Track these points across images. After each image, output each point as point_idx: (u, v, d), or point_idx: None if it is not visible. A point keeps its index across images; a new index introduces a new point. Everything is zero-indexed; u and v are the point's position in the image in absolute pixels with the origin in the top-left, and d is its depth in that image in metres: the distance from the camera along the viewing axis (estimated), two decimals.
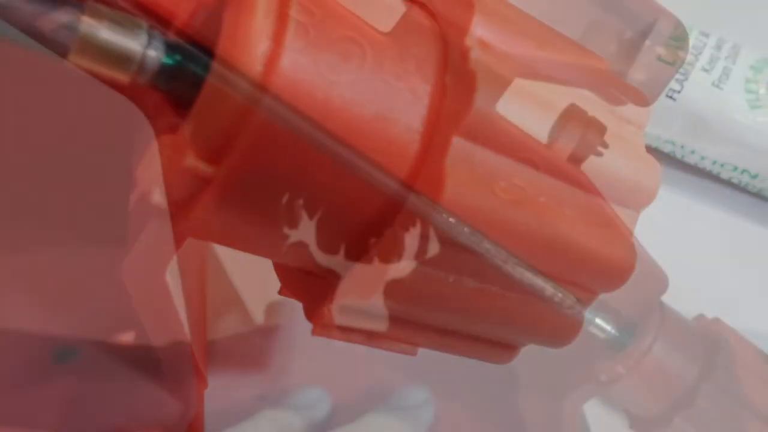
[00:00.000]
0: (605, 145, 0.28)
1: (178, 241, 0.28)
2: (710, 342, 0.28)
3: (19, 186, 0.34)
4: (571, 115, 0.28)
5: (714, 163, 0.45)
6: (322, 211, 0.25)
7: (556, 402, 0.30)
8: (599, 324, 0.28)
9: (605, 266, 0.28)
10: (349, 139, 0.23)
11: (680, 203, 0.45)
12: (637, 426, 0.29)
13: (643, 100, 0.30)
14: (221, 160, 0.22)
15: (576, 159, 0.28)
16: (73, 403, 0.30)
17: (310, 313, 0.27)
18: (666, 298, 0.31)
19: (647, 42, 0.29)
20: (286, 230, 0.25)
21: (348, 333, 0.28)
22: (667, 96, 0.46)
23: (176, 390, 0.32)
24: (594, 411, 0.32)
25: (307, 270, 0.27)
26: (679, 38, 0.29)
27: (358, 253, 0.26)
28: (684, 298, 0.30)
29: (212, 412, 0.32)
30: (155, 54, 0.21)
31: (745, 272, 0.41)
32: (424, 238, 0.26)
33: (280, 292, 0.29)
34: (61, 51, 0.21)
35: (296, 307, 0.29)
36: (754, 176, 0.44)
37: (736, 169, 0.44)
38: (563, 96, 0.28)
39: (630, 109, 0.29)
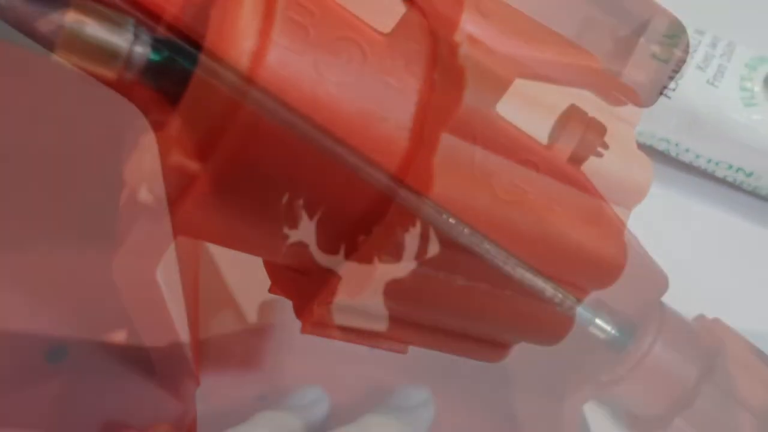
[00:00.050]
0: (605, 146, 0.28)
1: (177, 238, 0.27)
2: (710, 342, 0.28)
3: (10, 185, 0.33)
4: (571, 116, 0.27)
5: (709, 161, 0.45)
6: (311, 208, 0.25)
7: (557, 402, 0.30)
8: (599, 324, 0.27)
9: (598, 265, 0.28)
10: (337, 135, 0.23)
11: (675, 202, 0.44)
12: (637, 427, 0.28)
13: (637, 98, 0.30)
14: (208, 157, 0.22)
15: (576, 159, 0.28)
16: (66, 402, 0.30)
17: (300, 311, 0.27)
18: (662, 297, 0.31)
19: (642, 40, 0.29)
20: (275, 228, 0.25)
21: (338, 331, 0.27)
22: (662, 94, 0.46)
23: (172, 388, 0.32)
24: (594, 411, 0.32)
25: (296, 268, 0.27)
26: (674, 36, 0.29)
27: (347, 250, 0.25)
28: (680, 297, 0.30)
29: (212, 412, 0.32)
30: (142, 50, 0.21)
31: (740, 271, 0.41)
32: (414, 236, 0.26)
33: (269, 290, 0.29)
34: (48, 46, 0.21)
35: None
36: (749, 174, 0.44)
37: (731, 167, 0.44)
38: (555, 94, 0.27)
39: (621, 107, 0.29)
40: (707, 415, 0.27)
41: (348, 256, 0.25)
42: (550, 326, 0.29)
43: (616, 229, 0.28)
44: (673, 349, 0.27)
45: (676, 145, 0.45)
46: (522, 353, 0.30)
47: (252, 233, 0.25)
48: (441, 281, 0.26)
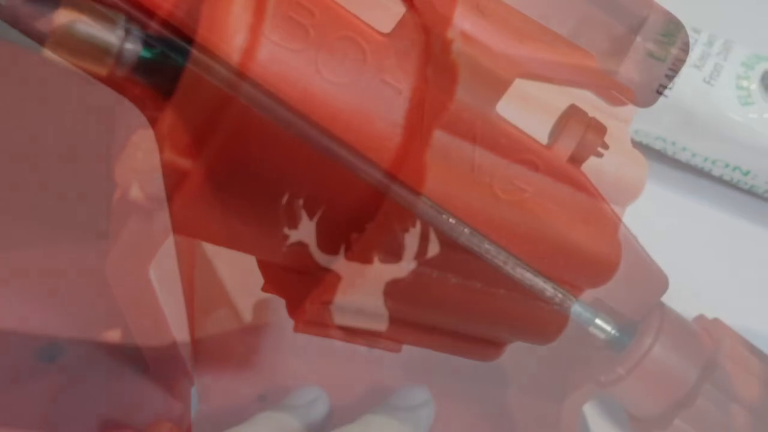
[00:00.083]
0: (605, 146, 0.28)
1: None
2: (710, 342, 0.28)
3: (3, 184, 0.33)
4: (572, 116, 0.27)
5: (705, 160, 0.44)
6: (304, 205, 0.25)
7: (556, 403, 0.30)
8: (599, 324, 0.27)
9: (594, 264, 0.28)
10: (329, 131, 0.23)
11: (671, 200, 0.44)
12: (637, 427, 0.28)
13: (632, 97, 0.29)
14: (199, 153, 0.22)
15: (576, 159, 0.27)
16: (59, 401, 0.30)
17: (292, 310, 0.27)
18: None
19: (638, 38, 0.29)
20: (268, 225, 0.25)
21: (331, 330, 0.27)
22: (657, 92, 0.46)
23: (167, 387, 0.32)
24: (594, 411, 0.32)
25: (289, 267, 0.27)
26: (671, 34, 0.29)
27: (340, 248, 0.25)
28: (677, 296, 0.30)
29: (212, 412, 0.32)
30: (133, 47, 0.21)
31: (737, 270, 0.41)
32: (407, 234, 0.25)
33: (263, 289, 0.28)
34: (42, 42, 0.21)
35: None
36: (746, 173, 0.44)
37: (727, 165, 0.44)
38: (552, 94, 0.27)
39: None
40: (707, 415, 0.26)
41: (341, 254, 0.25)
42: (544, 325, 0.29)
43: (611, 228, 0.28)
44: (673, 350, 0.27)
45: (673, 143, 0.45)
46: (522, 354, 0.30)
47: (246, 231, 0.25)
48: (435, 280, 0.26)
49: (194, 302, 0.32)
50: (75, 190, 0.33)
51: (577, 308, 0.27)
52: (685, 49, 0.29)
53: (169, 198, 0.23)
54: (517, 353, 0.30)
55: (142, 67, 0.21)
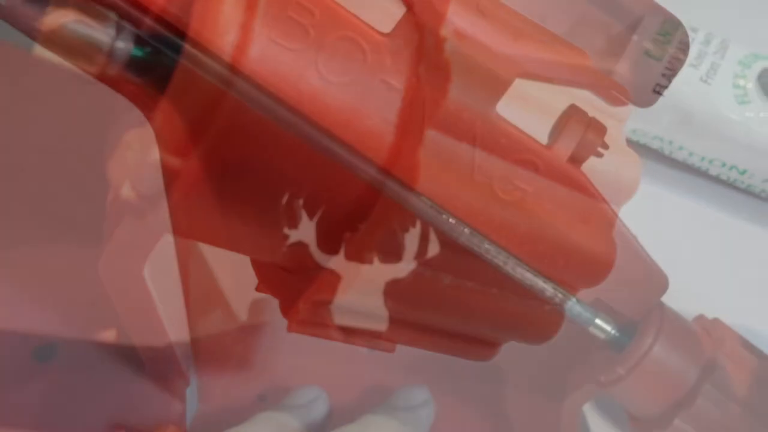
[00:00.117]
0: (605, 146, 0.27)
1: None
2: (710, 342, 0.28)
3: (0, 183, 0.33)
4: (572, 116, 0.27)
5: (702, 159, 0.44)
6: (300, 204, 0.24)
7: (557, 403, 0.30)
8: (599, 325, 0.27)
9: (591, 264, 0.28)
10: (321, 128, 0.23)
11: (668, 200, 0.44)
12: (637, 427, 0.28)
13: (627, 96, 0.29)
14: (193, 150, 0.22)
15: (576, 159, 0.27)
16: (54, 401, 0.30)
17: (286, 310, 0.27)
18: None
19: (635, 37, 0.29)
20: (263, 225, 0.25)
21: (325, 329, 0.27)
22: (654, 91, 0.45)
23: (161, 387, 0.31)
24: (594, 411, 0.31)
25: (283, 266, 0.27)
26: (668, 33, 0.29)
27: (334, 247, 0.25)
28: (674, 296, 0.30)
29: (212, 412, 0.32)
30: (124, 46, 0.21)
31: (734, 269, 0.41)
32: (400, 234, 0.25)
33: (257, 289, 0.28)
34: (33, 38, 0.21)
35: None
36: (743, 172, 0.44)
37: (724, 164, 0.44)
38: (548, 93, 0.27)
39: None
40: (707, 415, 0.26)
41: (335, 253, 0.25)
42: (540, 325, 0.29)
43: (607, 227, 0.28)
44: (673, 350, 0.27)
45: (670, 142, 0.45)
46: (522, 354, 0.29)
47: (242, 229, 0.25)
48: (430, 279, 0.26)
49: (192, 302, 0.32)
50: (72, 189, 0.33)
51: (577, 308, 0.27)
52: (683, 48, 0.29)
53: (168, 196, 0.23)
54: (517, 353, 0.29)
55: (134, 65, 0.21)
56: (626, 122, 0.29)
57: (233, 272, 0.35)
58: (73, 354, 0.31)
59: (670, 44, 0.28)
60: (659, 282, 0.28)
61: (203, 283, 0.34)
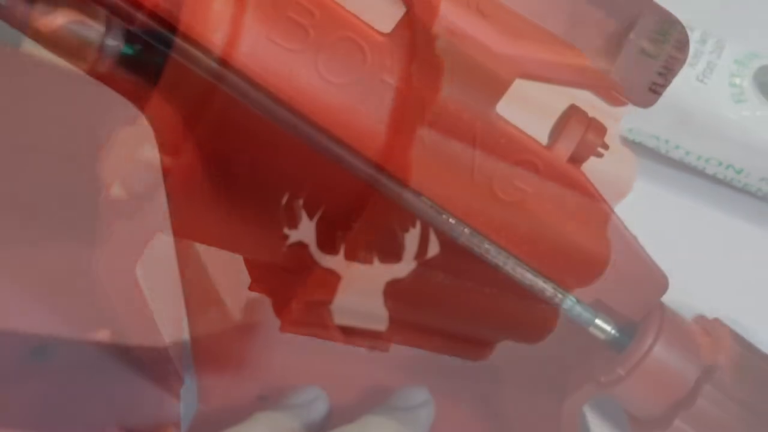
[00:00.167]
0: (606, 146, 0.27)
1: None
2: (710, 343, 0.27)
3: None
4: (572, 116, 0.27)
5: (699, 158, 0.44)
6: (290, 203, 0.24)
7: (557, 403, 0.30)
8: (599, 325, 0.27)
9: (589, 263, 0.27)
10: (312, 125, 0.23)
11: (665, 199, 0.44)
12: (637, 427, 0.28)
13: (622, 94, 0.29)
14: (184, 146, 0.22)
15: (576, 160, 0.27)
16: (51, 401, 0.29)
17: (279, 310, 0.27)
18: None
19: (631, 35, 0.28)
20: (253, 223, 0.25)
21: (318, 329, 0.27)
22: (650, 90, 0.45)
23: (156, 387, 0.31)
24: (594, 411, 0.31)
25: (276, 265, 0.27)
26: (664, 32, 0.28)
27: (327, 247, 0.25)
28: (673, 295, 0.29)
29: (212, 412, 0.32)
30: (114, 43, 0.21)
31: (731, 269, 0.40)
32: (393, 233, 0.25)
33: (250, 288, 0.28)
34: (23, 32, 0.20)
35: None
36: (739, 171, 0.43)
37: (720, 164, 0.44)
38: (545, 93, 0.27)
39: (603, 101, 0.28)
40: (707, 415, 0.26)
41: (329, 252, 0.25)
42: (533, 324, 0.29)
43: (602, 227, 0.28)
44: (673, 350, 0.27)
45: (666, 141, 0.45)
46: (522, 354, 0.29)
47: (236, 227, 0.25)
48: (423, 278, 0.26)
49: (191, 302, 0.31)
50: (69, 189, 0.33)
51: (577, 309, 0.27)
52: (680, 47, 0.28)
53: (167, 189, 0.23)
54: (517, 354, 0.29)
55: (125, 62, 0.21)
56: (621, 121, 0.29)
57: (231, 271, 0.34)
58: (70, 354, 0.30)
59: (667, 43, 0.28)
60: (659, 282, 0.28)
61: (201, 282, 0.33)
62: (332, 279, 0.26)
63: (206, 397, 0.32)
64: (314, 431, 0.30)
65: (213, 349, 0.33)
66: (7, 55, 0.33)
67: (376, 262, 0.26)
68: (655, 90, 0.36)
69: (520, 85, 0.25)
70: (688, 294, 0.31)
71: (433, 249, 0.27)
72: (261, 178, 0.24)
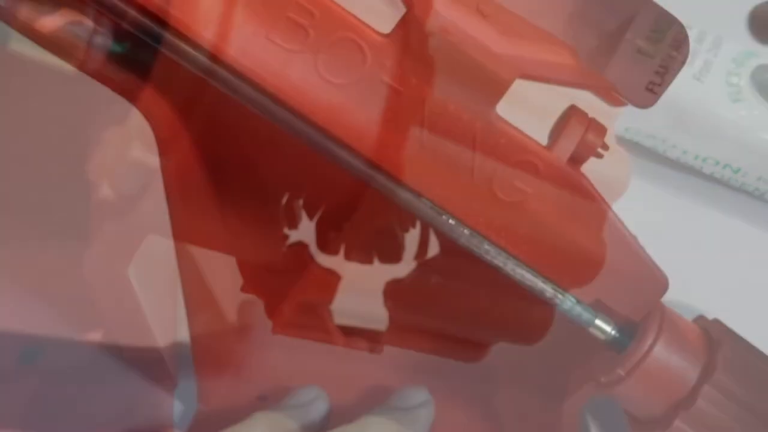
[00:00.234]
0: (605, 147, 0.27)
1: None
2: (710, 343, 0.27)
3: None
4: (571, 117, 0.27)
5: (696, 157, 0.44)
6: (286, 204, 0.24)
7: (557, 403, 0.29)
8: (599, 325, 0.27)
9: (587, 264, 0.27)
10: (317, 128, 0.23)
11: (662, 199, 0.43)
12: (637, 427, 0.28)
13: (621, 95, 0.29)
14: (170, 151, 0.22)
15: (576, 160, 0.27)
16: (40, 403, 0.29)
17: (271, 312, 0.27)
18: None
19: (627, 34, 0.28)
20: (249, 225, 0.25)
21: (309, 331, 0.27)
22: (647, 89, 0.45)
23: (148, 389, 0.31)
24: (594, 411, 0.31)
25: (267, 267, 0.27)
26: (661, 30, 0.28)
27: (326, 246, 0.25)
28: (671, 296, 0.29)
29: (212, 412, 0.31)
30: (102, 42, 0.21)
31: (729, 269, 0.40)
32: (389, 233, 0.25)
33: (242, 289, 0.28)
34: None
35: None
36: (737, 171, 0.43)
37: (717, 163, 0.43)
38: (543, 93, 0.27)
39: (599, 100, 0.28)
40: (707, 416, 0.26)
41: (326, 252, 0.25)
42: (529, 326, 0.29)
43: (601, 227, 0.27)
44: (673, 351, 0.26)
45: (663, 141, 0.44)
46: (522, 354, 0.29)
47: (233, 227, 0.25)
48: (418, 280, 0.26)
49: (190, 302, 0.31)
50: (58, 189, 0.32)
51: (577, 309, 0.26)
52: (678, 46, 0.28)
53: (165, 183, 0.23)
54: (517, 354, 0.29)
55: (112, 62, 0.21)
56: (616, 120, 0.29)
57: (229, 272, 0.34)
58: (60, 356, 0.30)
59: (664, 42, 0.28)
60: (659, 283, 0.28)
61: (200, 283, 0.33)
62: (331, 279, 0.26)
63: (206, 397, 0.31)
64: (314, 431, 0.30)
65: (213, 350, 0.32)
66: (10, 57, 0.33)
67: (376, 263, 0.26)
68: (653, 89, 0.36)
69: (519, 86, 0.25)
70: (685, 294, 0.31)
71: (433, 250, 0.27)
72: (259, 178, 0.24)
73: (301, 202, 0.25)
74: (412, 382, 0.30)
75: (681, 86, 0.43)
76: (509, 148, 0.26)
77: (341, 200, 0.24)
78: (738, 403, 0.26)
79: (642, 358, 0.26)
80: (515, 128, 0.26)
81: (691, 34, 0.45)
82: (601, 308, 0.27)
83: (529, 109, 0.27)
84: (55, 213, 0.31)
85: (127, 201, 0.25)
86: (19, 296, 0.30)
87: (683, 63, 0.27)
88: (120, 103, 0.22)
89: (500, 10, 0.25)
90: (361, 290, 0.27)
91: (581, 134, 0.26)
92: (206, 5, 0.21)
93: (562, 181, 0.27)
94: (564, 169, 0.27)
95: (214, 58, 0.21)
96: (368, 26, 0.24)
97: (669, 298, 0.29)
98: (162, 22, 0.21)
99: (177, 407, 0.31)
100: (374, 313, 0.28)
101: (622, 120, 0.29)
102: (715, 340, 0.27)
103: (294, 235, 0.26)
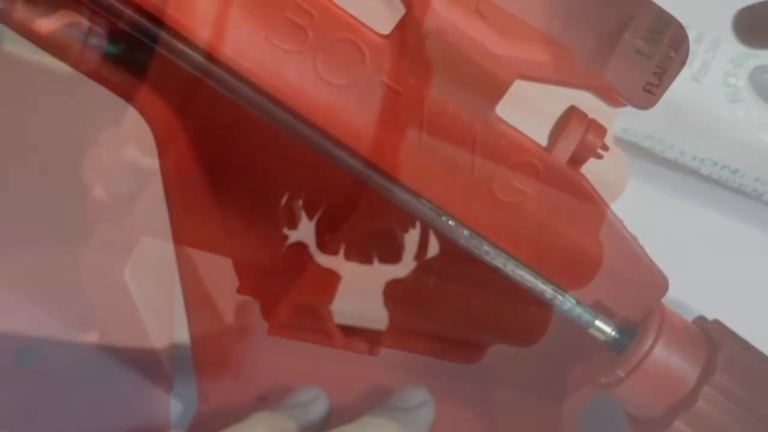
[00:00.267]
0: (605, 148, 0.27)
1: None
2: (710, 344, 0.27)
3: None
4: (571, 117, 0.26)
5: (694, 158, 0.43)
6: (278, 204, 0.24)
7: (557, 404, 0.29)
8: (599, 326, 0.26)
9: (584, 264, 0.27)
10: (316, 129, 0.22)
11: (660, 199, 0.43)
12: (637, 428, 0.27)
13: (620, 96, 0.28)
14: (169, 151, 0.22)
15: (576, 161, 0.27)
16: (35, 404, 0.29)
17: (266, 313, 0.26)
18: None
19: (626, 35, 0.28)
20: (248, 225, 0.25)
21: (305, 333, 0.27)
22: (645, 90, 0.44)
23: (144, 391, 0.31)
24: (594, 412, 0.30)
25: (264, 268, 0.27)
26: (659, 30, 0.28)
27: (324, 247, 0.25)
28: (670, 296, 0.29)
29: (212, 412, 0.31)
30: (97, 42, 0.20)
31: (727, 270, 0.40)
32: (381, 236, 0.25)
33: (238, 291, 0.28)
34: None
35: None
36: (734, 171, 0.43)
37: (715, 164, 0.43)
38: (540, 94, 0.26)
39: (597, 101, 0.28)
40: (707, 416, 0.25)
41: (325, 253, 0.25)
42: (525, 328, 0.28)
43: (599, 228, 0.27)
44: (673, 351, 0.26)
45: (661, 141, 0.44)
46: (522, 355, 0.29)
47: (231, 227, 0.25)
48: (415, 281, 0.26)
49: (189, 303, 0.31)
50: (53, 191, 0.32)
51: (577, 310, 0.26)
52: (676, 46, 0.27)
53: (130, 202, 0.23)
54: (517, 355, 0.29)
55: (108, 62, 0.21)
56: (613, 121, 0.28)
57: (228, 272, 0.34)
58: (56, 357, 0.30)
59: (662, 42, 0.27)
60: (659, 284, 0.27)
61: (200, 283, 0.33)
62: (331, 279, 0.26)
63: (206, 398, 0.31)
64: (314, 431, 0.30)
65: (213, 350, 0.32)
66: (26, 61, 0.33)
67: (375, 263, 0.26)
68: (650, 90, 0.36)
69: (519, 87, 0.25)
70: (684, 294, 0.30)
71: (433, 250, 0.27)
72: (259, 178, 0.24)
73: (300, 202, 0.24)
74: (411, 383, 0.30)
75: (679, 87, 0.43)
76: (509, 149, 0.26)
77: (341, 200, 0.24)
78: (738, 403, 0.26)
79: (642, 359, 0.26)
80: (515, 129, 0.26)
81: (690, 35, 0.44)
82: (600, 309, 0.27)
83: (529, 110, 0.26)
84: (51, 214, 0.31)
85: (122, 202, 0.24)
86: (14, 297, 0.30)
87: (682, 64, 0.27)
88: (114, 104, 0.21)
89: (499, 11, 0.25)
90: (360, 290, 0.27)
91: (581, 135, 0.26)
92: (205, 7, 0.21)
93: (562, 182, 0.26)
94: (564, 169, 0.26)
95: (213, 59, 0.21)
96: (367, 27, 0.23)
97: (668, 298, 0.29)
98: (160, 22, 0.20)
99: (177, 407, 0.31)
100: (374, 314, 0.27)
101: (620, 120, 0.29)
102: (714, 340, 0.27)
103: (293, 236, 0.26)
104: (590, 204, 0.27)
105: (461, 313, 0.28)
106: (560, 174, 0.26)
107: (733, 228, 0.42)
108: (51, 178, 0.31)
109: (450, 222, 0.25)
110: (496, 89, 0.24)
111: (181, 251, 0.29)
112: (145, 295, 0.27)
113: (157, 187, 0.22)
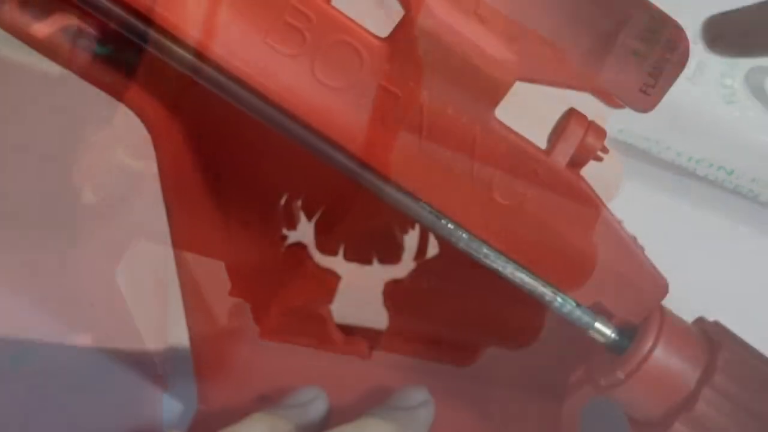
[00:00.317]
0: (605, 150, 0.26)
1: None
2: (710, 345, 0.26)
3: None
4: (571, 120, 0.26)
5: (690, 159, 0.43)
6: (277, 205, 0.24)
7: (556, 405, 0.29)
8: (599, 328, 0.26)
9: (582, 266, 0.27)
10: (308, 130, 0.22)
11: (657, 200, 0.43)
12: (637, 429, 0.27)
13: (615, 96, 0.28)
14: (166, 152, 0.22)
15: (576, 164, 0.26)
16: (30, 406, 0.28)
17: (258, 317, 0.26)
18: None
19: (621, 35, 0.27)
20: (246, 227, 0.25)
21: (297, 336, 0.26)
22: (641, 91, 0.44)
23: (137, 392, 0.30)
24: (594, 412, 0.30)
25: (266, 267, 0.26)
26: (655, 30, 0.27)
27: (320, 247, 0.25)
28: (669, 297, 0.28)
29: (212, 412, 0.31)
30: (87, 44, 0.20)
31: (726, 270, 0.39)
32: (376, 237, 0.25)
33: (230, 293, 0.28)
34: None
35: None
36: (731, 172, 0.42)
37: (711, 165, 0.42)
38: (540, 95, 0.26)
39: (590, 102, 0.27)
40: (707, 418, 0.25)
41: (325, 253, 0.25)
42: (520, 330, 0.28)
43: (591, 229, 0.27)
44: (673, 353, 0.25)
45: (657, 142, 0.43)
46: (522, 355, 0.28)
47: (233, 231, 0.25)
48: (411, 284, 0.26)
49: (189, 303, 0.30)
50: (46, 193, 0.31)
51: (576, 312, 0.25)
52: (671, 47, 0.27)
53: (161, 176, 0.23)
54: (517, 355, 0.28)
55: (97, 63, 0.21)
56: (607, 122, 0.28)
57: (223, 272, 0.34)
58: (48, 359, 0.29)
59: (658, 43, 0.27)
60: (659, 286, 0.27)
61: (198, 284, 0.32)
62: (331, 279, 0.26)
63: (206, 398, 0.31)
64: (313, 431, 0.29)
65: (212, 350, 0.31)
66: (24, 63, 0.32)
67: (375, 263, 0.26)
68: (646, 92, 0.35)
69: (518, 89, 0.24)
70: (683, 295, 0.30)
71: (432, 251, 0.26)
72: (258, 180, 0.23)
73: (299, 202, 0.24)
74: (411, 383, 0.29)
75: (675, 88, 0.42)
76: (508, 152, 0.25)
77: (340, 201, 0.24)
78: (738, 404, 0.25)
79: (642, 361, 0.25)
80: (514, 132, 0.25)
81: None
82: (600, 311, 0.26)
83: (528, 113, 0.26)
84: (43, 216, 0.31)
85: (113, 204, 0.24)
86: (7, 299, 0.30)
87: (681, 65, 0.26)
88: (105, 107, 0.21)
89: (497, 14, 0.25)
90: (360, 290, 0.26)
91: (580, 137, 0.26)
92: (200, 10, 0.20)
93: (562, 184, 0.26)
94: (563, 172, 0.26)
95: (213, 61, 0.20)
96: (365, 30, 0.23)
97: (666, 299, 0.28)
98: (157, 24, 0.20)
99: (177, 407, 0.31)
100: (373, 314, 0.27)
101: (616, 122, 0.29)
102: (714, 341, 0.26)
103: (293, 236, 0.25)
104: (590, 206, 0.27)
105: (458, 314, 0.28)
106: (560, 177, 0.26)
107: (730, 229, 0.42)
108: (44, 181, 0.30)
109: (449, 225, 0.25)
110: (495, 92, 0.24)
111: (180, 252, 0.29)
112: (137, 296, 0.27)
113: (148, 189, 0.22)
